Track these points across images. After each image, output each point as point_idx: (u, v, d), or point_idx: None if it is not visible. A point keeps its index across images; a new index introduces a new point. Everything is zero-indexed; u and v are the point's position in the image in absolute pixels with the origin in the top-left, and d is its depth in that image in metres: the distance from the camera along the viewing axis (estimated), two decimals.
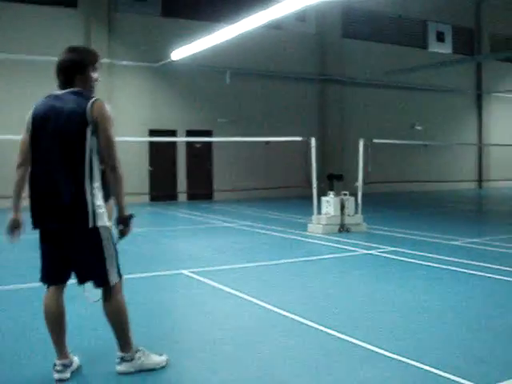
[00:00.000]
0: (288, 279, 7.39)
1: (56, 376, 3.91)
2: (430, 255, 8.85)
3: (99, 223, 3.78)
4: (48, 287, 4.01)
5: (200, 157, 21.65)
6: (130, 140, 19.26)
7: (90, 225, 3.74)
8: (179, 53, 18.61)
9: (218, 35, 16.05)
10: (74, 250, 3.85)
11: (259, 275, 7.65)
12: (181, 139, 20.42)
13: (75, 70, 4.09)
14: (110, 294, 3.94)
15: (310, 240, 10.91)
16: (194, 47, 17.61)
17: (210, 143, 21.58)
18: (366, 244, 10.18)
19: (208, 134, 21.44)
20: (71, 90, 3.99)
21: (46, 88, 17.76)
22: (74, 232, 3.79)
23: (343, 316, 5.49)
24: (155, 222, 15.22)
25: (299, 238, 11.22)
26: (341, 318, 5.42)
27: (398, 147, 23.88)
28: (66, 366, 3.95)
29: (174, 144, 20.97)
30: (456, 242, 10.34)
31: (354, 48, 25.32)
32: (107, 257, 3.87)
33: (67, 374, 3.94)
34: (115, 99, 20.43)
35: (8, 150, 17.82)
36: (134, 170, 20.49)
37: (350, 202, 11.90)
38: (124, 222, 3.90)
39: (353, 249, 9.68)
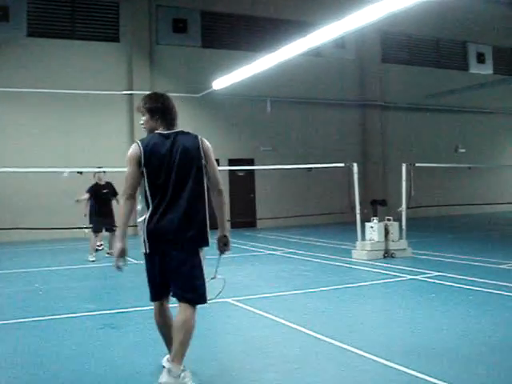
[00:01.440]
0: (333, 306, 7.33)
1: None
2: (477, 279, 8.69)
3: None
4: (156, 304, 4.56)
5: (242, 185, 21.74)
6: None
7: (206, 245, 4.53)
8: (220, 82, 18.85)
9: (258, 64, 16.22)
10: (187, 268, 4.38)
11: (304, 302, 7.61)
12: (223, 168, 20.53)
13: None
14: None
15: (354, 266, 10.82)
16: (234, 77, 17.82)
17: (252, 171, 21.68)
18: (412, 269, 10.05)
19: (250, 162, 21.56)
20: (179, 130, 4.66)
21: (91, 118, 17.94)
22: (189, 253, 4.40)
23: (393, 344, 5.40)
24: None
25: (344, 264, 11.14)
26: (390, 346, 5.33)
27: (442, 170, 23.61)
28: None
29: None
30: (503, 266, 10.13)
31: (394, 72, 25.27)
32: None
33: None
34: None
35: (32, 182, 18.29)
36: None
37: (394, 227, 11.78)
38: (226, 241, 4.66)
39: (398, 274, 9.56)
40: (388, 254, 11.63)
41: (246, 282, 9.44)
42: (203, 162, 4.44)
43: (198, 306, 4.39)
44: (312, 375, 4.59)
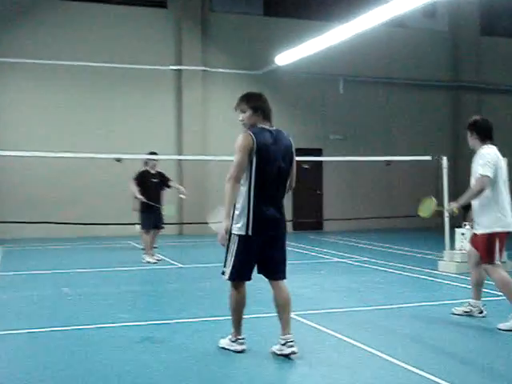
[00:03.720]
0: (414, 327, 7.25)
1: (239, 347, 5.96)
2: None
3: None
4: (240, 283, 5.91)
5: (308, 180, 21.66)
6: (226, 159, 19.54)
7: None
8: (284, 58, 18.83)
9: (330, 36, 16.14)
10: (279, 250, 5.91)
11: (378, 321, 7.55)
12: None
13: None
14: None
15: (440, 280, 10.67)
16: (301, 51, 17.77)
17: (320, 164, 21.62)
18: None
19: (318, 152, 21.48)
20: (277, 128, 5.97)
21: (131, 94, 18.30)
22: (283, 238, 5.92)
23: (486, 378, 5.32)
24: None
25: (427, 277, 11.02)
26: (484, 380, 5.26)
27: None
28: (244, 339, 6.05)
29: None
30: None
31: (496, 47, 24.74)
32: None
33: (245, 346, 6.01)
34: (209, 113, 20.95)
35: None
36: None
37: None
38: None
39: (496, 293, 9.37)
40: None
41: (311, 293, 9.43)
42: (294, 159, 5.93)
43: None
44: None
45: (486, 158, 7.11)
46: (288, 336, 5.78)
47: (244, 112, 6.04)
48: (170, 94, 20.79)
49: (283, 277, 5.94)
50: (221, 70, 21.10)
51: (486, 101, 24.42)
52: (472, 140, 7.48)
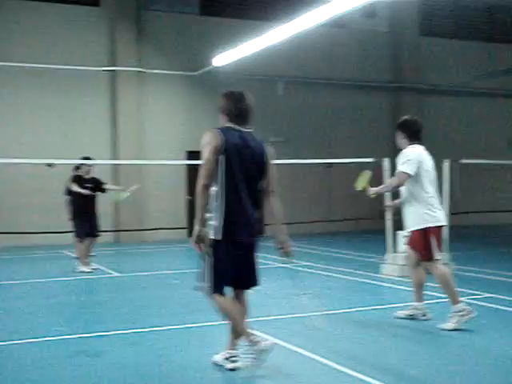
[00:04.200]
0: (357, 332, 7.34)
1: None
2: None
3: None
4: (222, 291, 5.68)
5: None
6: (163, 164, 19.51)
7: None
8: (222, 58, 18.83)
9: (270, 36, 16.19)
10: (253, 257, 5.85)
11: (321, 326, 7.60)
12: None
13: None
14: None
15: (383, 284, 10.82)
16: (239, 51, 17.79)
17: None
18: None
19: None
20: (250, 130, 5.80)
21: (64, 96, 18.05)
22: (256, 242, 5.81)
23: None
24: (194, 263, 15.33)
25: (370, 281, 11.14)
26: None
27: (492, 169, 23.51)
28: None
29: None
30: None
31: (435, 48, 25.19)
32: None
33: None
34: (145, 115, 20.82)
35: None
36: (170, 199, 20.71)
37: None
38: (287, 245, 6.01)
39: (437, 295, 9.55)
40: (425, 270, 11.60)
41: (253, 300, 9.44)
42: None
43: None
44: None
45: (408, 157, 7.53)
46: (235, 352, 5.83)
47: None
48: (105, 95, 20.59)
49: (248, 287, 5.98)
50: (157, 70, 20.98)
51: (426, 101, 24.86)
52: (400, 140, 7.88)
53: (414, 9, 24.63)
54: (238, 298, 5.87)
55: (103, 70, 20.51)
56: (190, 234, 20.95)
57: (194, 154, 20.68)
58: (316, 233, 21.09)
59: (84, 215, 13.04)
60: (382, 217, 12.49)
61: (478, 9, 26.48)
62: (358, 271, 12.17)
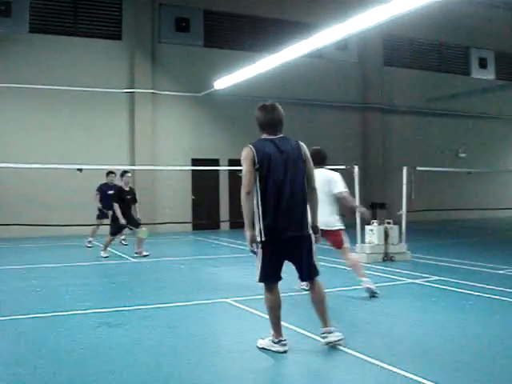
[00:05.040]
0: (333, 309, 7.30)
1: (282, 349, 5.23)
2: (477, 284, 8.68)
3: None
4: (270, 285, 5.32)
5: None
6: (172, 169, 19.55)
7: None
8: (222, 82, 18.83)
9: (260, 64, 16.20)
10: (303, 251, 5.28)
11: (304, 304, 7.57)
12: (223, 168, 20.52)
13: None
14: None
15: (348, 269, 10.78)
16: (236, 77, 17.80)
17: None
18: (411, 273, 10.02)
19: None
20: (283, 135, 5.41)
21: (90, 114, 17.91)
22: (302, 240, 5.24)
23: (395, 349, 5.37)
24: (197, 251, 15.28)
25: (342, 266, 11.11)
26: (393, 350, 5.31)
27: (442, 175, 23.56)
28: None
29: (216, 173, 21.06)
30: (502, 272, 10.13)
31: (396, 76, 25.28)
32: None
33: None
34: (158, 128, 20.80)
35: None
36: (178, 198, 20.71)
37: (393, 230, 11.77)
38: (317, 231, 5.39)
39: (397, 278, 9.55)
40: (387, 258, 11.61)
41: (245, 282, 9.41)
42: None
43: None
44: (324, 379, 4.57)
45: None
46: (325, 329, 5.44)
47: None
48: (124, 112, 20.52)
49: (309, 278, 5.47)
50: (167, 92, 20.96)
51: (389, 119, 24.93)
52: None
53: (378, 44, 24.76)
54: (310, 287, 5.54)
55: (123, 92, 20.46)
56: (194, 227, 20.97)
57: (197, 161, 20.70)
58: None
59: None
60: (352, 214, 12.42)
61: (430, 45, 26.60)
62: (332, 258, 12.12)
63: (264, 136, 5.40)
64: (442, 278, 9.30)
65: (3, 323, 6.63)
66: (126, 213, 12.80)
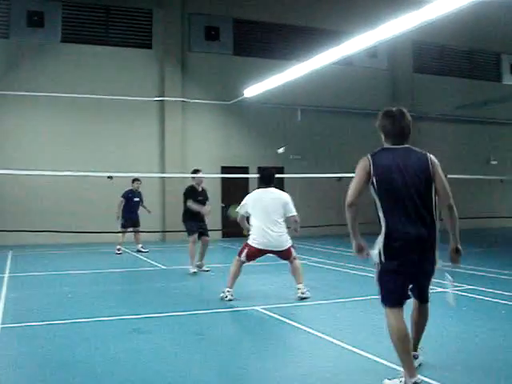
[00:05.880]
0: (363, 317, 7.26)
1: None
2: (509, 294, 8.55)
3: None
4: (392, 309, 4.54)
5: None
6: (202, 176, 19.54)
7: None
8: (251, 90, 18.87)
9: (290, 73, 16.21)
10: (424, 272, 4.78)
11: (333, 313, 7.55)
12: (252, 176, 20.52)
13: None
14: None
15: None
16: (265, 85, 17.83)
17: (281, 180, 21.58)
18: (442, 282, 9.89)
19: (280, 170, 21.51)
20: (408, 146, 4.84)
21: (122, 121, 18.04)
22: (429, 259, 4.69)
23: (424, 358, 5.32)
24: (227, 259, 15.29)
25: (371, 274, 11.03)
26: (422, 359, 5.25)
27: (473, 182, 23.28)
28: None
29: (246, 181, 21.08)
30: None
31: (426, 83, 25.06)
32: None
33: None
34: (188, 136, 20.91)
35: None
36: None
37: None
38: (459, 252, 4.87)
39: (430, 287, 9.43)
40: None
41: (274, 290, 9.43)
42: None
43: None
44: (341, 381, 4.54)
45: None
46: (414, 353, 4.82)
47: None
48: (155, 120, 20.68)
49: (426, 300, 4.98)
50: (197, 100, 21.06)
51: (419, 126, 24.64)
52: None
53: (408, 50, 24.60)
54: (417, 307, 4.95)
55: (154, 100, 20.62)
56: (224, 234, 20.99)
57: (226, 169, 20.74)
58: (327, 234, 20.93)
59: (194, 218, 11.93)
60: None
61: (460, 51, 26.36)
62: (361, 266, 12.04)
63: (386, 145, 4.88)
64: (474, 287, 9.15)
65: (33, 329, 6.71)
66: (198, 213, 11.95)
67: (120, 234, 15.51)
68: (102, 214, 18.78)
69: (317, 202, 22.33)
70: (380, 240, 4.58)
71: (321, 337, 6.08)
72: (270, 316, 7.20)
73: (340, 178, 18.45)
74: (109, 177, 13.42)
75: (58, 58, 19.52)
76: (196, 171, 12.52)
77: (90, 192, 18.92)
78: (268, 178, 9.05)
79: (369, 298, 8.56)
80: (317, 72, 16.04)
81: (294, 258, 8.75)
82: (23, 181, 17.64)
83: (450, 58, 26.22)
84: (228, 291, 8.38)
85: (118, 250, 15.34)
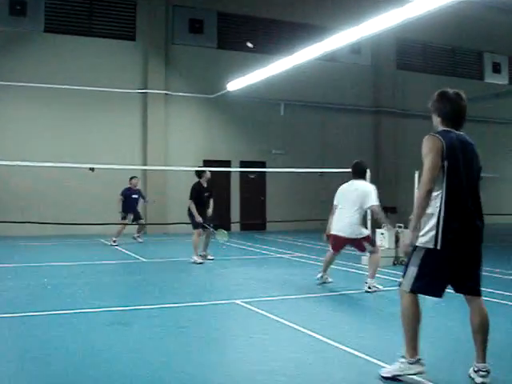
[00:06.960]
0: (340, 311, 7.30)
1: (421, 368, 4.50)
2: (491, 290, 8.63)
3: None
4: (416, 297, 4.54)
5: (253, 188, 21.74)
6: (184, 170, 19.52)
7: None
8: (234, 84, 18.85)
9: (273, 67, 16.21)
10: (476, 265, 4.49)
11: (312, 306, 7.58)
12: (235, 170, 20.55)
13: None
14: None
15: (363, 272, 10.74)
16: (249, 79, 17.83)
17: (263, 174, 21.66)
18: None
19: (262, 164, 21.53)
20: (462, 133, 4.53)
21: (104, 113, 17.99)
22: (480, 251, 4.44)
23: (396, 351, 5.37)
24: (212, 252, 15.30)
25: (352, 270, 11.10)
26: (395, 352, 5.30)
27: None
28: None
29: (228, 174, 21.10)
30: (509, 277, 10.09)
31: (408, 79, 25.19)
32: None
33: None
34: (171, 129, 20.86)
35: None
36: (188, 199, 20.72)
37: (405, 234, 11.72)
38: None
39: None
40: (398, 262, 11.58)
41: (254, 283, 9.43)
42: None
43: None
44: (322, 380, 4.57)
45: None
46: (481, 365, 4.41)
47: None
48: (137, 113, 20.61)
49: (478, 293, 4.53)
50: (180, 93, 21.02)
51: (402, 123, 24.84)
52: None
53: (392, 47, 24.74)
54: (470, 305, 4.60)
55: (137, 92, 20.54)
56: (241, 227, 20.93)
57: (209, 163, 20.72)
58: (309, 229, 20.96)
59: (199, 213, 12.05)
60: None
61: (443, 49, 26.54)
62: (341, 262, 12.09)
63: (444, 128, 4.51)
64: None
65: (12, 320, 6.67)
66: (203, 211, 12.16)
67: (119, 227, 15.64)
68: (85, 205, 18.73)
69: (299, 197, 22.39)
70: (433, 226, 4.27)
71: (299, 329, 6.10)
72: (250, 309, 7.22)
73: (321, 173, 18.50)
74: (90, 168, 13.31)
75: (41, 47, 19.37)
76: (203, 172, 12.66)
77: (73, 183, 18.80)
78: (354, 171, 9.47)
79: (350, 292, 8.63)
80: (300, 67, 16.07)
81: (373, 252, 8.94)
82: (2, 172, 17.43)
83: (433, 55, 26.40)
84: (320, 275, 9.28)
85: (114, 241, 15.38)
